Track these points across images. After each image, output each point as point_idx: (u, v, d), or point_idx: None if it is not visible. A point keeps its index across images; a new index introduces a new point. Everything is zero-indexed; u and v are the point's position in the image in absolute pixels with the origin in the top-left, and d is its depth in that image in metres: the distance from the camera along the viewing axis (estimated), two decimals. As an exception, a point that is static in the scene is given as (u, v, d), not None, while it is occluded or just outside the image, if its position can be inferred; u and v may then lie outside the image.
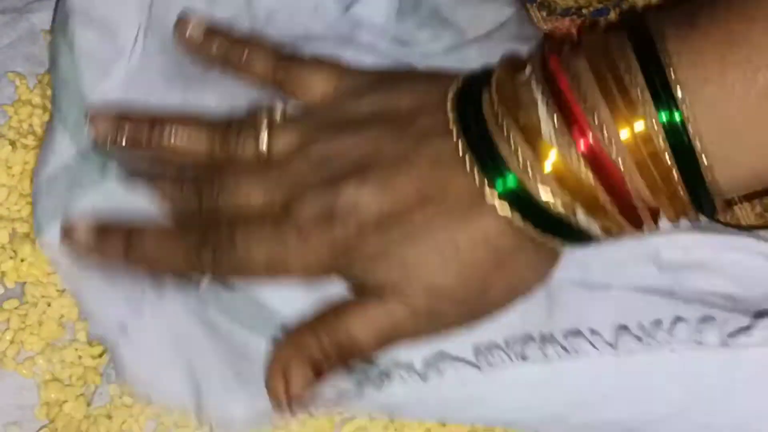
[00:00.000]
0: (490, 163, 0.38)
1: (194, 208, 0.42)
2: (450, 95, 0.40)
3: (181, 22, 0.45)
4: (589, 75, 0.37)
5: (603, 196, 0.38)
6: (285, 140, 0.42)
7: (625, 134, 0.37)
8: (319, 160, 0.41)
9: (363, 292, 0.40)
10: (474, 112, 0.39)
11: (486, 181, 0.38)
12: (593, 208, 0.38)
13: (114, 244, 0.42)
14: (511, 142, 0.38)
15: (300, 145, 0.42)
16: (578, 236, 0.39)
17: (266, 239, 0.41)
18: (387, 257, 0.39)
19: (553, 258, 0.41)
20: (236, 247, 0.41)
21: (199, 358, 0.42)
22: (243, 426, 0.42)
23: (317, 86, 0.44)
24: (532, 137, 0.37)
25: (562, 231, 0.39)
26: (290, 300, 0.42)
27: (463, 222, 0.39)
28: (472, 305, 0.41)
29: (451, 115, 0.40)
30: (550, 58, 0.38)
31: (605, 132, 0.37)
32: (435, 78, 0.43)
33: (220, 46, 0.45)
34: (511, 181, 0.38)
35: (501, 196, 0.38)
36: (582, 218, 0.38)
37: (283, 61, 0.44)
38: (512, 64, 0.40)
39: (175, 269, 0.42)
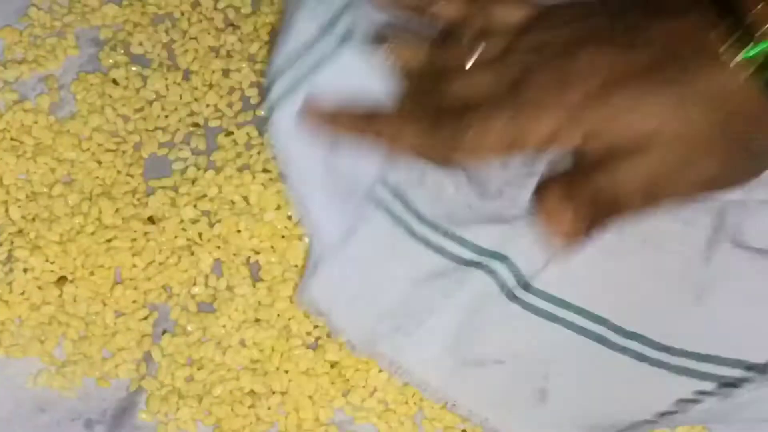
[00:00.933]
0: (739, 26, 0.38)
1: (427, 88, 0.43)
2: None
3: None
4: None
5: None
6: (500, 38, 0.43)
7: None
8: (540, 43, 0.42)
9: (614, 149, 0.39)
10: None
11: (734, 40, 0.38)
12: None
13: (351, 119, 0.43)
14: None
15: (517, 37, 0.42)
16: None
17: (501, 115, 0.40)
18: (642, 108, 0.39)
19: None
20: (472, 125, 0.41)
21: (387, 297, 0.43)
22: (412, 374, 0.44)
23: (513, 17, 0.43)
24: None
25: None
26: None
27: (719, 73, 0.38)
28: (733, 155, 0.40)
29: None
30: None
31: None
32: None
33: None
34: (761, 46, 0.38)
35: (748, 60, 0.38)
36: None
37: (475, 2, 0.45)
38: None
39: (411, 149, 0.42)
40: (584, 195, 0.39)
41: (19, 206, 0.48)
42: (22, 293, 0.46)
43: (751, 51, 0.38)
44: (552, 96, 0.40)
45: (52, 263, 0.47)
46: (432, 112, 0.42)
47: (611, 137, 0.39)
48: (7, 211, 0.48)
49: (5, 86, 0.51)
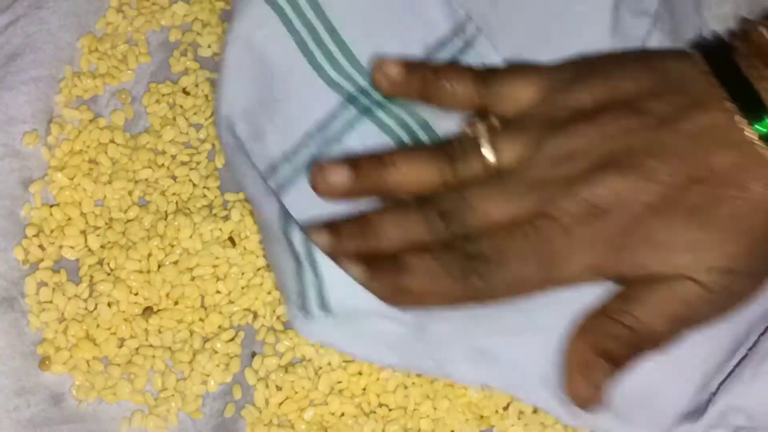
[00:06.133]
0: (760, 118, 0.38)
1: (445, 237, 0.40)
2: (700, 67, 0.40)
3: (378, 63, 0.44)
4: None
5: None
6: (511, 147, 0.41)
7: None
8: (559, 158, 0.40)
9: (644, 282, 0.39)
10: (734, 77, 0.39)
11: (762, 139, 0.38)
12: None
13: (382, 285, 0.40)
14: None
15: (530, 149, 0.40)
16: None
17: (531, 250, 0.39)
18: (673, 243, 0.39)
19: None
20: (503, 266, 0.39)
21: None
22: None
23: (522, 93, 0.42)
24: None
25: None
26: None
27: (742, 192, 0.38)
28: (763, 274, 0.40)
29: (714, 81, 0.39)
30: None
31: None
32: (643, 59, 0.42)
33: (419, 82, 0.44)
34: None
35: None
36: None
37: (482, 81, 0.43)
38: (746, 24, 0.41)
39: (444, 302, 0.40)
40: (623, 329, 0.39)
41: (98, 235, 0.44)
42: (109, 328, 0.43)
43: (764, 125, 0.38)
44: (584, 226, 0.39)
45: (136, 294, 0.43)
46: (457, 258, 0.39)
47: (649, 270, 0.39)
48: (86, 241, 0.45)
49: (80, 105, 0.47)
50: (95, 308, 0.43)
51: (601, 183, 0.39)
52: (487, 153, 0.41)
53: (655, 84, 0.41)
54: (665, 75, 0.41)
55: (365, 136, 0.44)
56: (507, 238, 0.39)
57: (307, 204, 0.42)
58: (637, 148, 0.39)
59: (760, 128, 0.38)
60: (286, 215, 0.40)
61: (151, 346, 0.43)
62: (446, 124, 0.44)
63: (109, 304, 0.43)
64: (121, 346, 0.43)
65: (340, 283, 0.39)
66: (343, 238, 0.40)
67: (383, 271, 0.40)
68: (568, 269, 0.39)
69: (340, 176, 0.42)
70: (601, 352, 0.39)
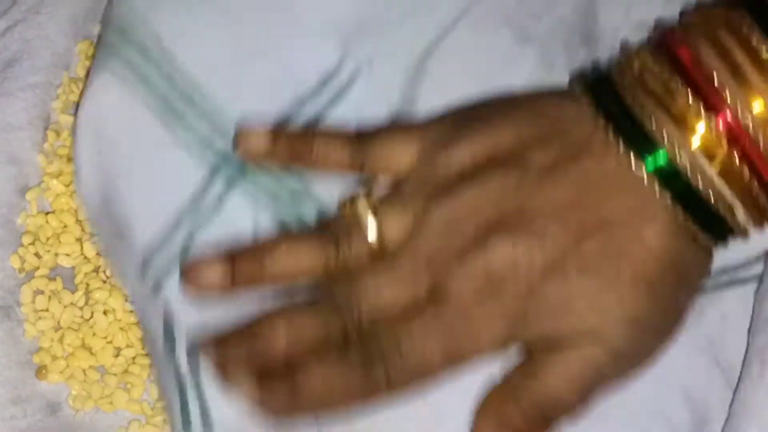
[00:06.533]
0: (648, 152, 0.36)
1: (339, 333, 0.38)
2: (584, 106, 0.37)
3: (240, 134, 0.40)
4: (711, 50, 0.35)
5: (747, 174, 0.35)
6: (396, 222, 0.38)
7: (758, 107, 0.35)
8: (446, 228, 0.37)
9: (549, 346, 0.37)
10: (619, 112, 0.37)
11: (655, 182, 0.36)
12: (739, 186, 0.36)
13: (277, 396, 0.37)
14: (662, 130, 0.36)
15: (415, 220, 0.38)
16: (722, 228, 0.37)
17: (433, 334, 0.37)
18: (573, 304, 0.36)
19: (707, 262, 0.38)
20: (406, 354, 0.37)
21: None
22: None
23: (400, 155, 0.39)
24: (677, 116, 0.36)
25: (713, 221, 0.36)
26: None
27: (637, 239, 0.36)
28: (669, 328, 0.38)
29: (600, 119, 0.37)
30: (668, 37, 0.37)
31: (739, 107, 0.35)
32: (526, 104, 0.39)
33: (287, 149, 0.40)
34: (667, 162, 0.36)
35: (666, 187, 0.36)
36: (730, 199, 0.36)
37: (357, 143, 0.40)
38: (625, 52, 0.38)
39: (346, 403, 0.37)
40: (529, 400, 0.37)
41: (93, 242, 0.44)
42: (105, 337, 0.43)
43: (654, 160, 0.36)
44: (482, 303, 0.36)
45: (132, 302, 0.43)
46: (354, 351, 0.37)
47: (555, 334, 0.37)
48: (81, 248, 0.44)
49: (67, 109, 0.47)
50: (91, 316, 0.43)
51: (491, 250, 0.36)
52: (370, 232, 0.38)
53: (537, 131, 0.38)
54: (548, 120, 0.38)
55: (236, 214, 0.40)
56: (405, 326, 0.37)
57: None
58: (524, 206, 0.37)
59: (651, 162, 0.35)
60: (168, 332, 0.39)
61: (147, 355, 0.42)
62: (325, 186, 0.40)
63: (105, 312, 0.43)
64: (117, 356, 0.43)
65: (225, 407, 0.38)
66: (230, 346, 0.37)
67: (276, 378, 0.37)
68: (472, 348, 0.37)
69: (213, 274, 0.38)
70: (510, 431, 0.37)
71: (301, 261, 0.38)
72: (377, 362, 0.37)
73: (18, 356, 0.42)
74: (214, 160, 0.41)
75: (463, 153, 0.38)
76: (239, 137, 0.40)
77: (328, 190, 0.40)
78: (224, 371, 0.37)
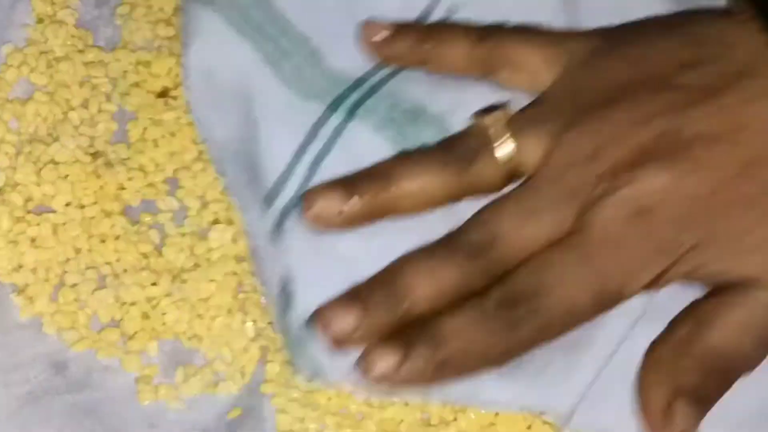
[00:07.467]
0: None
1: (477, 280, 0.34)
2: (747, 24, 0.35)
3: (367, 27, 0.39)
4: None
5: None
6: (534, 142, 0.35)
7: None
8: (592, 152, 0.35)
9: (722, 289, 0.34)
10: None
11: None
12: None
13: (413, 370, 0.34)
14: None
15: (556, 143, 0.35)
16: None
17: (581, 276, 0.34)
18: (745, 241, 0.34)
19: None
20: (551, 301, 0.34)
21: None
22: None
23: (532, 62, 0.37)
24: None
25: None
26: None
27: None
28: None
29: (766, 38, 0.34)
30: None
31: None
32: (677, 24, 0.37)
33: (411, 43, 0.38)
34: None
35: None
36: None
37: (484, 41, 0.37)
38: None
39: (493, 365, 0.34)
40: (705, 353, 0.34)
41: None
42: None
43: None
44: (633, 235, 0.34)
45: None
46: (492, 299, 0.34)
47: (716, 278, 0.34)
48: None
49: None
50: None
51: (643, 179, 0.34)
52: (505, 152, 0.35)
53: (693, 52, 0.36)
54: (705, 40, 0.36)
55: (353, 143, 0.38)
56: (549, 266, 0.34)
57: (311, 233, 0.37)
58: (681, 131, 0.34)
59: None
60: (285, 289, 0.37)
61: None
62: (443, 101, 0.38)
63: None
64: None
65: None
66: (370, 310, 0.34)
67: (417, 347, 0.34)
68: (623, 286, 0.34)
69: (331, 201, 0.36)
70: (685, 393, 0.33)
71: (425, 184, 0.36)
72: (521, 316, 0.33)
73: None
74: (330, 100, 0.39)
75: (614, 72, 0.36)
76: (364, 29, 0.39)
77: (445, 103, 0.38)
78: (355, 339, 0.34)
